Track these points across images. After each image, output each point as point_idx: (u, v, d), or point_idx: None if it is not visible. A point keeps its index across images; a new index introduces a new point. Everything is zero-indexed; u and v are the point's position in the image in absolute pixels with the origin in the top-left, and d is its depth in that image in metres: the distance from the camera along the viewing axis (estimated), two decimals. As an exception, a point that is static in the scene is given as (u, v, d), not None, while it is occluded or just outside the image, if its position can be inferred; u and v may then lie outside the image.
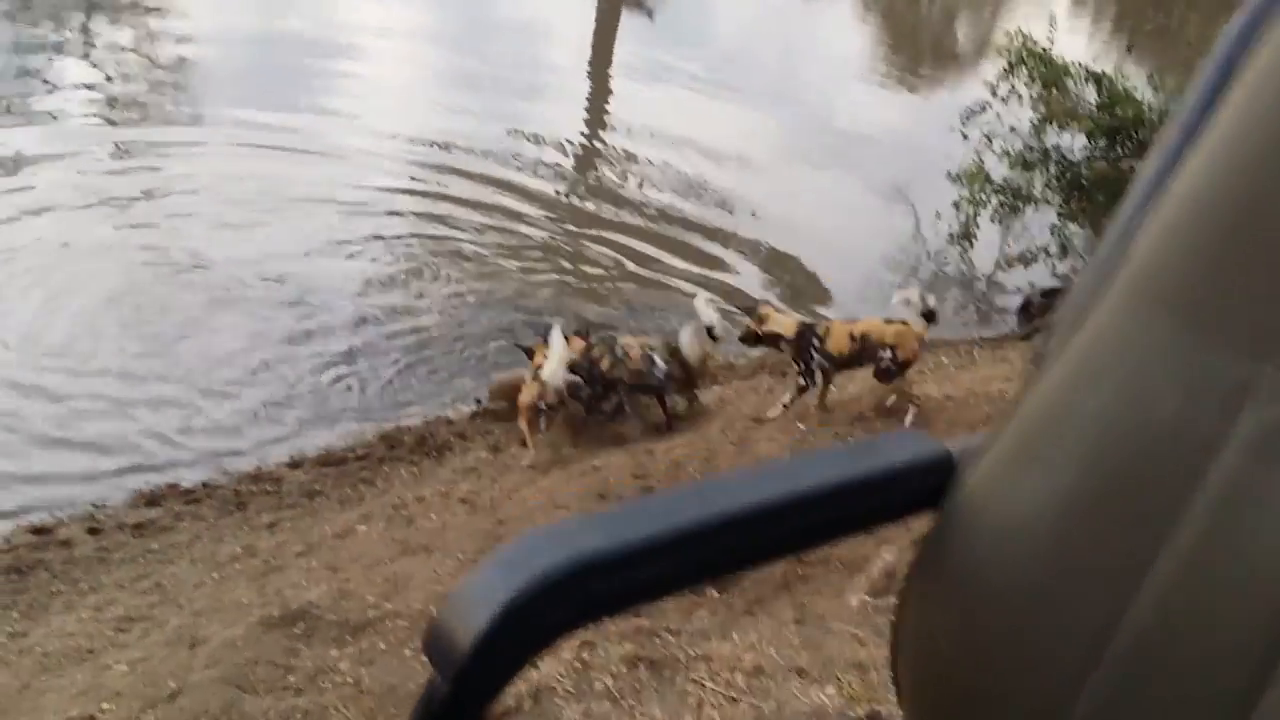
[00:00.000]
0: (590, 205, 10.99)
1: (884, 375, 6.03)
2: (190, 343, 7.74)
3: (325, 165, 10.96)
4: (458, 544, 5.21)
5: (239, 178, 10.33)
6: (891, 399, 6.19)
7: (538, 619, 0.78)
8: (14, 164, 9.98)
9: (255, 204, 9.87)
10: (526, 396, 6.12)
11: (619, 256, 9.83)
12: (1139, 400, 0.80)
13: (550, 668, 3.24)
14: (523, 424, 6.17)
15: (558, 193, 11.18)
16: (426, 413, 7.19)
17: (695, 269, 9.78)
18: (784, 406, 6.19)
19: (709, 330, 6.51)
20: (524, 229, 10.11)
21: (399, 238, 9.68)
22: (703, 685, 3.02)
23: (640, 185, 11.50)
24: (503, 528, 5.35)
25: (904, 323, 5.97)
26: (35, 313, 7.82)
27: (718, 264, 10.06)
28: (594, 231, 10.30)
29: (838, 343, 6.06)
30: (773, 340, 6.28)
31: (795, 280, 9.94)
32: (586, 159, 12.36)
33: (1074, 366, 0.86)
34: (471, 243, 9.70)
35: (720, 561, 0.91)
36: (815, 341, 6.10)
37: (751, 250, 10.35)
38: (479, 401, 7.24)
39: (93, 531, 5.85)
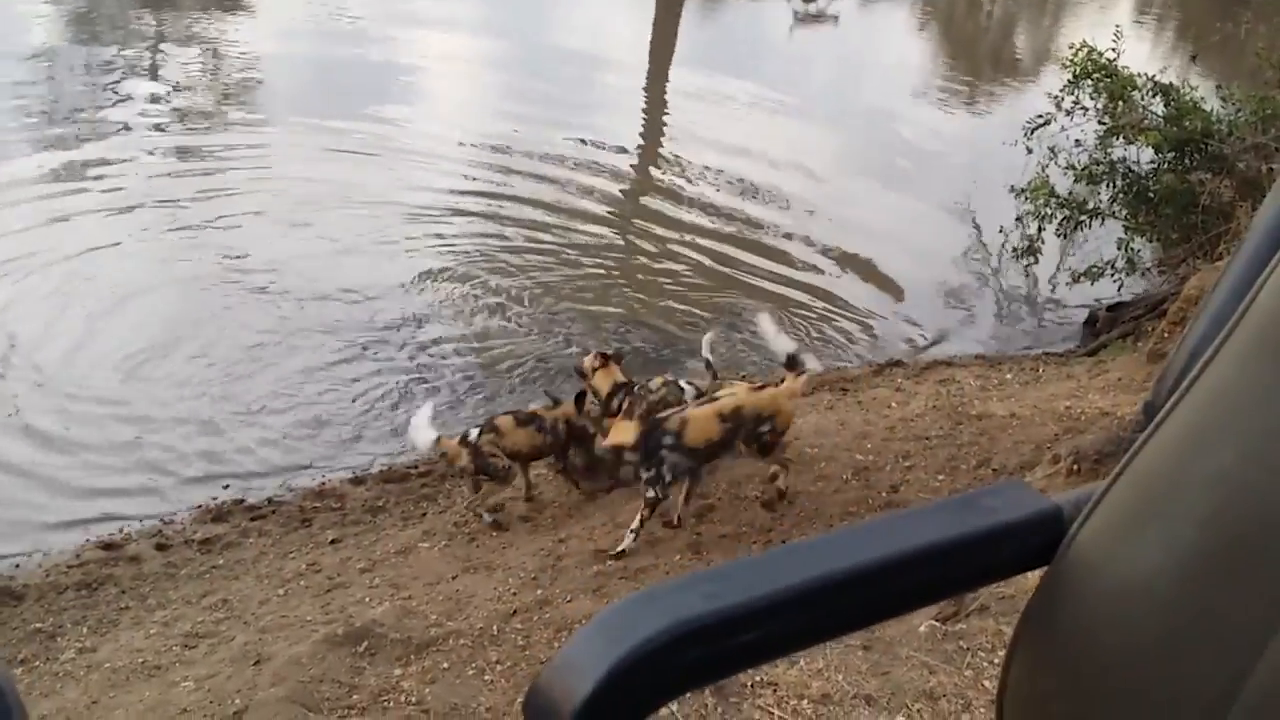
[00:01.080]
0: (656, 206, 11.03)
1: (768, 450, 5.19)
2: (257, 353, 7.83)
3: (389, 170, 11.13)
4: (519, 562, 5.21)
5: (308, 180, 10.56)
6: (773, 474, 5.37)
7: (637, 689, 0.76)
8: (86, 169, 10.24)
9: (319, 206, 10.04)
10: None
11: (695, 257, 9.88)
12: (1265, 460, 0.77)
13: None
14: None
15: (622, 195, 11.26)
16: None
17: (768, 269, 9.77)
18: (633, 535, 5.11)
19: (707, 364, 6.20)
20: (591, 233, 10.18)
21: (459, 243, 9.76)
22: (770, 713, 2.98)
23: (702, 190, 11.47)
24: (564, 546, 5.35)
25: (775, 384, 5.28)
26: (102, 319, 7.96)
27: (791, 263, 10.04)
28: (662, 232, 10.33)
29: (702, 429, 5.05)
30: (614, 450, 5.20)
31: (870, 278, 9.88)
32: (644, 166, 12.42)
33: (1194, 422, 0.82)
34: (533, 248, 9.76)
35: (823, 626, 0.88)
36: (666, 439, 5.04)
37: (823, 252, 10.30)
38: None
39: (160, 547, 5.93)
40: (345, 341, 8.07)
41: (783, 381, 5.29)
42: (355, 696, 4.14)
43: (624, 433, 5.16)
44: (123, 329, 7.94)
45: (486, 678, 4.22)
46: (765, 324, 5.81)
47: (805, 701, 3.03)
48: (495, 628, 4.58)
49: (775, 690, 3.08)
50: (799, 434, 6.22)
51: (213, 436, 6.99)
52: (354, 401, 7.44)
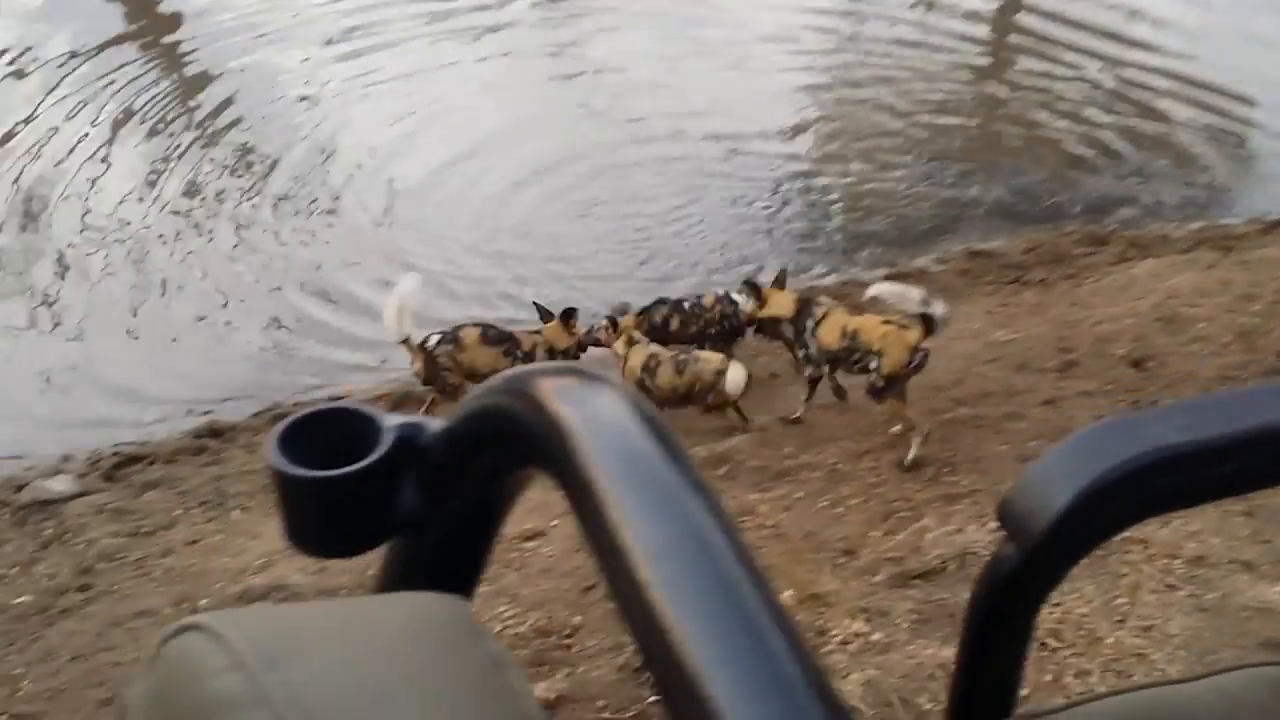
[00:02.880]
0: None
1: (873, 392, 4.90)
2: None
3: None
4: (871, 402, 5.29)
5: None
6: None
7: (1113, 506, 0.80)
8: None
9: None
10: None
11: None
12: None
13: (975, 535, 3.27)
14: None
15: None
16: (840, 274, 7.19)
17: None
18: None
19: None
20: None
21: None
22: (1139, 568, 2.94)
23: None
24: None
25: (902, 324, 4.82)
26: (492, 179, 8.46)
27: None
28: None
29: (829, 333, 5.03)
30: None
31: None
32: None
33: None
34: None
35: None
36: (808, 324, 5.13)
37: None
38: (892, 264, 7.17)
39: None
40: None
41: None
42: (716, 515, 4.43)
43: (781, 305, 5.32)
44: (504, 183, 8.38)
45: (839, 510, 4.38)
46: (885, 289, 5.19)
47: (1178, 561, 2.96)
48: (847, 465, 4.72)
49: (1145, 547, 3.02)
50: (1176, 293, 5.87)
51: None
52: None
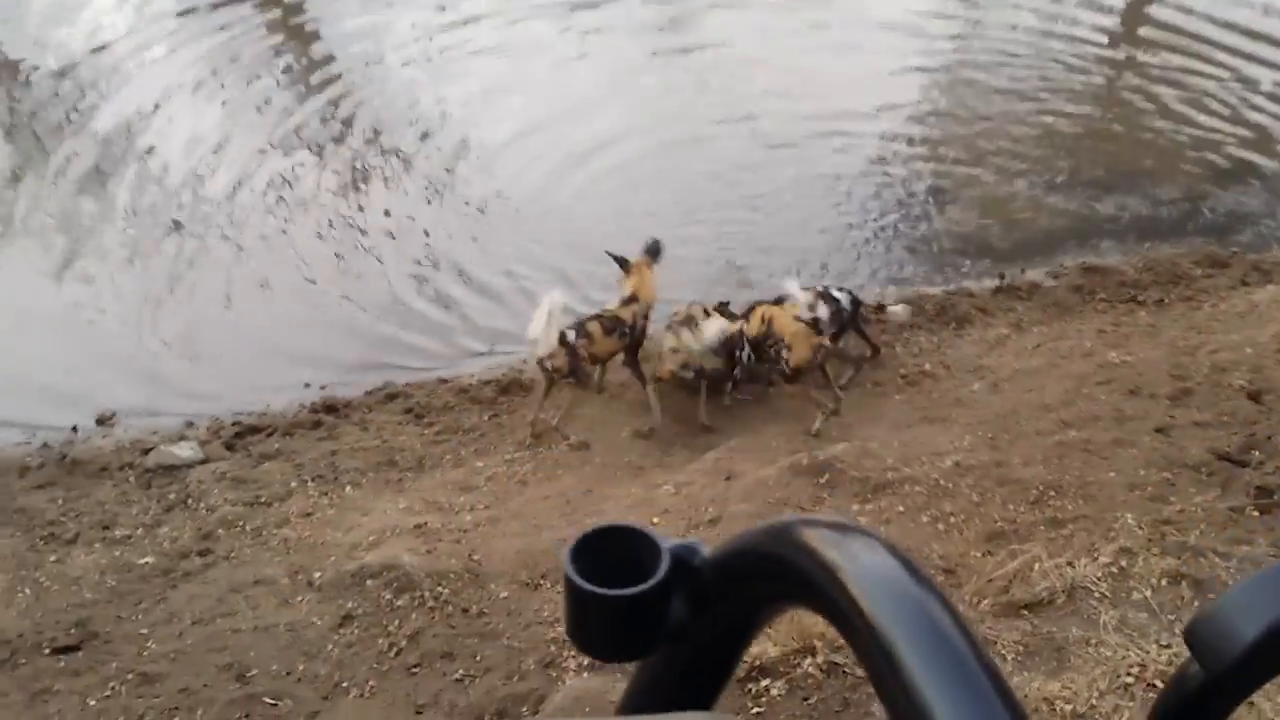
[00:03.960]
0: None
1: (783, 377, 5.67)
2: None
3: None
4: (977, 416, 5.27)
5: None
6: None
7: None
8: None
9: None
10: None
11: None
12: None
13: (1087, 569, 3.26)
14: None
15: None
16: (948, 283, 7.13)
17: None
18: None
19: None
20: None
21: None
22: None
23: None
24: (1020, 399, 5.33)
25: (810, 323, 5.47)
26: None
27: None
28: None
29: (754, 323, 5.74)
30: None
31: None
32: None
33: None
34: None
35: None
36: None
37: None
38: (1002, 276, 7.09)
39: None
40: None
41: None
42: (815, 524, 4.46)
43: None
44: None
45: (940, 527, 4.38)
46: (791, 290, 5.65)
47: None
48: (949, 481, 4.70)
49: None
50: None
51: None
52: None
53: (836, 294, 5.83)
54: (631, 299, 5.85)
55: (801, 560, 0.65)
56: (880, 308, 6.51)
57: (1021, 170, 8.21)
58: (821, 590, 0.63)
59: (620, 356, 5.92)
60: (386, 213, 7.73)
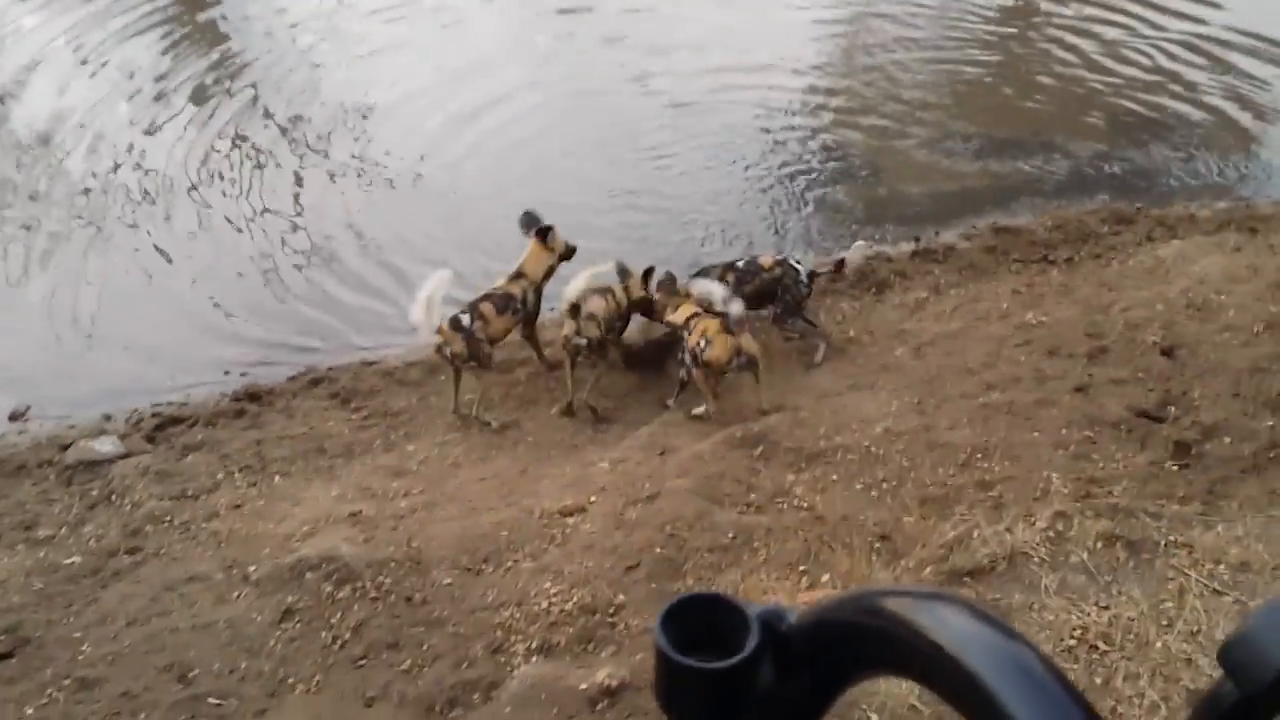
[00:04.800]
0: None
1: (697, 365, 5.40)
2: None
3: None
4: (902, 382, 5.37)
5: None
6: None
7: None
8: None
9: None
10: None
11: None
12: None
13: (1025, 535, 3.36)
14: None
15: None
16: (864, 246, 7.22)
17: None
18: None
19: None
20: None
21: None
22: (1185, 573, 3.03)
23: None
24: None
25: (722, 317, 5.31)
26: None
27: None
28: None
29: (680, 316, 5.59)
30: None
31: None
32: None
33: None
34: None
35: None
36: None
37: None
38: (917, 239, 7.20)
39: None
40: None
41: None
42: (753, 495, 4.51)
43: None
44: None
45: (873, 494, 4.47)
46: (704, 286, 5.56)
47: (1221, 566, 3.05)
48: (879, 448, 4.79)
49: (1190, 552, 3.12)
50: (1205, 278, 5.92)
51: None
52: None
53: (796, 265, 5.89)
54: (519, 274, 5.81)
55: (896, 629, 0.66)
56: (839, 266, 6.46)
57: (930, 126, 8.35)
58: (918, 656, 0.64)
59: (517, 333, 5.88)
60: (303, 195, 7.59)
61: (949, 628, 0.63)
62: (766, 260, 5.91)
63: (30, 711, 3.62)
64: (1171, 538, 3.19)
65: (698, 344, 5.28)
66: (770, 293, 5.84)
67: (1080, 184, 7.80)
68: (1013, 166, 7.95)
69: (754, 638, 0.69)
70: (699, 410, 5.34)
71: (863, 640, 0.69)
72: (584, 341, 5.52)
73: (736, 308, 5.24)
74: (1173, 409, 4.63)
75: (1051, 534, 3.32)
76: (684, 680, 0.70)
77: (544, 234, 5.86)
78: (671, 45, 9.32)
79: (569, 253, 5.99)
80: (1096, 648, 2.81)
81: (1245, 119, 8.55)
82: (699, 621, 0.71)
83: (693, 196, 7.62)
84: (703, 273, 5.90)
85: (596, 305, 5.57)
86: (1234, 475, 4.16)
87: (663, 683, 0.71)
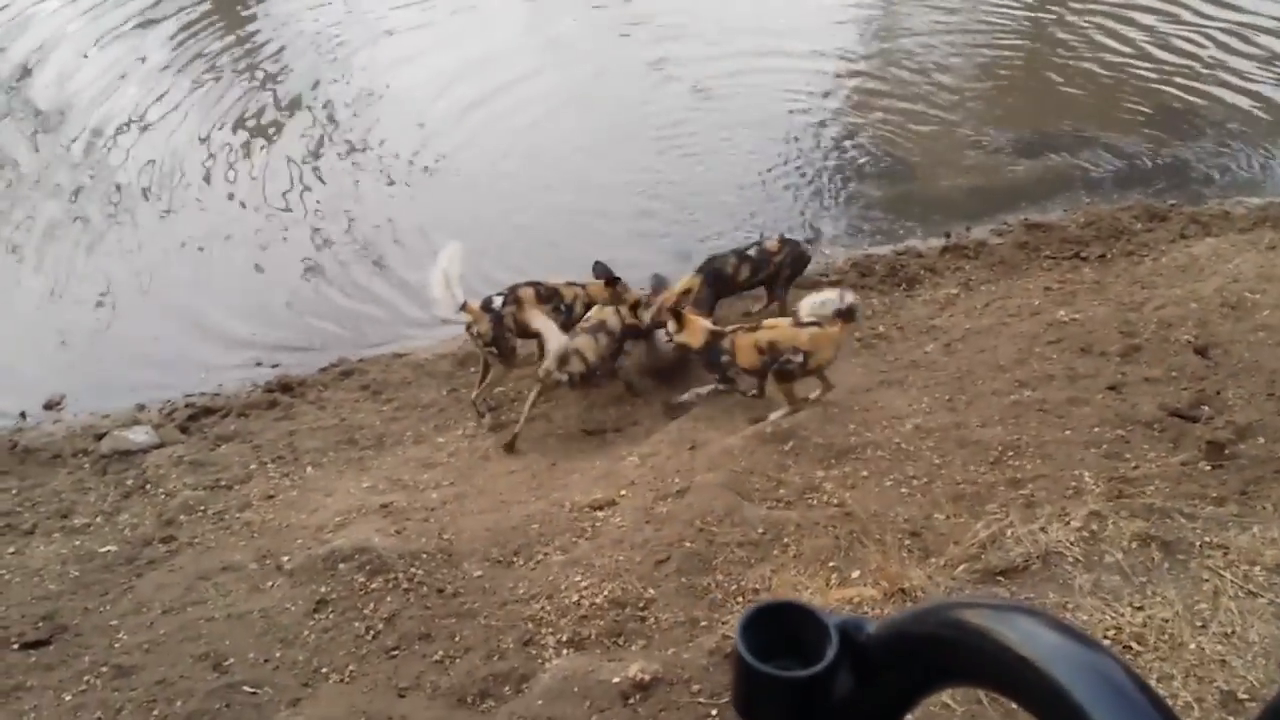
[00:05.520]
0: None
1: (783, 376, 5.27)
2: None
3: None
4: (933, 378, 5.35)
5: None
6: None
7: None
8: None
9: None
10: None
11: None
12: None
13: (1059, 534, 3.35)
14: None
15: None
16: (894, 243, 7.20)
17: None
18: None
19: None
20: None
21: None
22: (1220, 575, 3.02)
23: None
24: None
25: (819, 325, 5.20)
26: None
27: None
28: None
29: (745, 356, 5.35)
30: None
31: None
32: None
33: None
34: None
35: None
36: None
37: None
38: (948, 235, 7.18)
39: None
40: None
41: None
42: (782, 491, 4.51)
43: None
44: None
45: (904, 490, 4.45)
46: (811, 299, 5.34)
47: (1258, 568, 3.03)
48: (910, 444, 4.77)
49: (1225, 553, 3.10)
50: (1239, 276, 5.87)
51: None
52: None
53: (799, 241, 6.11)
54: (578, 284, 5.78)
55: (979, 642, 0.67)
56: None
57: (962, 114, 8.31)
58: (1002, 669, 0.65)
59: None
60: (332, 188, 7.63)
61: (1034, 640, 0.64)
62: (772, 244, 6.05)
63: (69, 698, 3.67)
64: (1206, 539, 3.17)
65: (790, 358, 5.20)
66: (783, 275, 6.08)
67: (1114, 179, 7.75)
68: (1045, 160, 7.90)
69: (833, 647, 0.70)
70: (776, 416, 5.21)
71: (942, 652, 0.70)
72: (564, 378, 5.42)
73: (850, 296, 5.23)
74: (1206, 409, 4.59)
75: (1086, 534, 3.31)
76: (765, 688, 0.70)
77: (613, 283, 5.74)
78: (694, 31, 9.30)
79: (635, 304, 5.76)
80: (1130, 648, 2.80)
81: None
82: (776, 628, 0.72)
83: (714, 187, 7.62)
84: (711, 260, 5.96)
85: (584, 343, 5.45)
86: (1268, 476, 4.12)
87: (742, 690, 0.72)
